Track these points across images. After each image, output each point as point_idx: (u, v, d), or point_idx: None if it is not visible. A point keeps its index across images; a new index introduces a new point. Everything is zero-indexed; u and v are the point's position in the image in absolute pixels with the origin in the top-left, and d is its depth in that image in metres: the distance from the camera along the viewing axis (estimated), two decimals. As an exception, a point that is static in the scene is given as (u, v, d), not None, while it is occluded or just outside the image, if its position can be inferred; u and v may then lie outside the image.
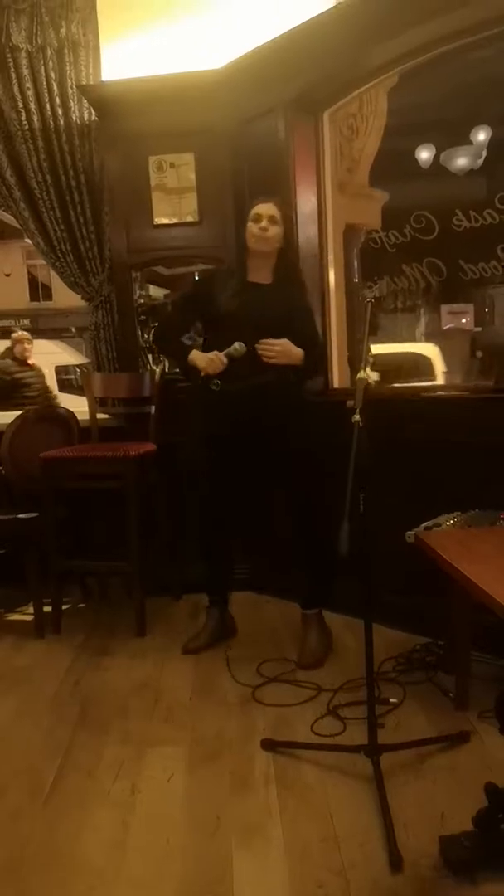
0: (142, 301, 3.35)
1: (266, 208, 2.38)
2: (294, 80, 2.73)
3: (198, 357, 2.39)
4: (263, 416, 2.39)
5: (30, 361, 6.10)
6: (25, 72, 3.13)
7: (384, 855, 1.48)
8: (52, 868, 1.54)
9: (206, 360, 2.35)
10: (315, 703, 2.17)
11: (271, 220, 2.37)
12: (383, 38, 2.48)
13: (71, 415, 3.21)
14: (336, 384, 3.04)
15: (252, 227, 2.38)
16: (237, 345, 2.31)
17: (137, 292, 3.31)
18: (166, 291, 4.01)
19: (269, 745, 1.93)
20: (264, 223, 2.36)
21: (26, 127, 3.17)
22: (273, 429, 2.40)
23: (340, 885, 1.43)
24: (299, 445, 2.43)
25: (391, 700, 2.12)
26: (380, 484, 1.76)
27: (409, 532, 2.07)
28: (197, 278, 3.39)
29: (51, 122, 3.16)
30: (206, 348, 2.41)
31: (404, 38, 2.44)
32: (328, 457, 2.09)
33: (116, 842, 1.60)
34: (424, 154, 5.91)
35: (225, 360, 2.33)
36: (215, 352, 2.35)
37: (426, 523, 2.13)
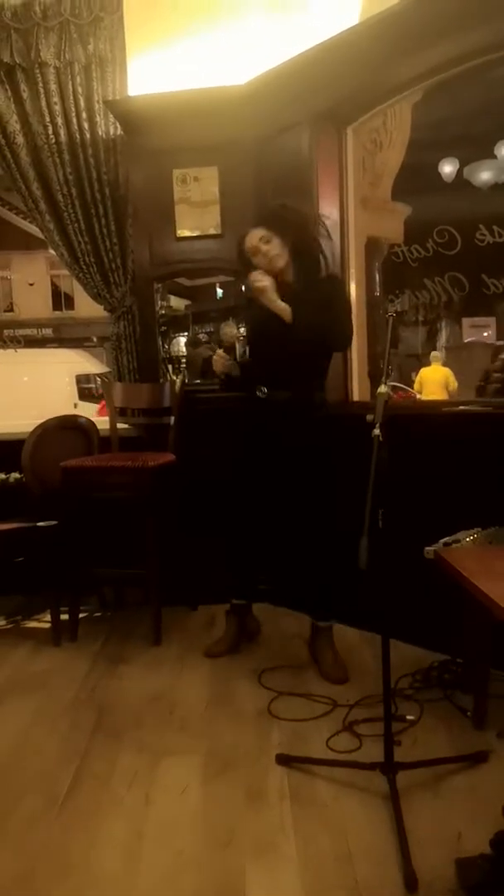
0: (163, 312, 3.39)
1: (249, 239, 2.38)
2: (319, 95, 2.76)
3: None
4: (283, 433, 2.42)
5: None
6: (53, 87, 3.19)
7: (399, 874, 1.47)
8: (66, 877, 1.54)
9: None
10: (330, 719, 2.15)
11: (263, 239, 2.36)
12: (408, 55, 2.49)
13: (91, 424, 3.24)
14: (356, 397, 3.05)
15: (257, 264, 2.35)
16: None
17: (159, 303, 3.34)
18: (187, 302, 4.04)
19: (284, 759, 1.92)
20: (262, 249, 2.35)
21: (53, 141, 3.22)
22: (292, 449, 2.43)
23: (354, 904, 1.41)
24: (316, 471, 2.44)
25: (408, 717, 2.10)
26: (399, 499, 1.76)
27: (428, 548, 2.06)
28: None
29: (77, 136, 3.21)
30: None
31: (430, 54, 2.46)
32: (348, 471, 2.09)
33: (130, 852, 1.60)
34: (448, 168, 5.93)
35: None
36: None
37: (445, 539, 2.11)
